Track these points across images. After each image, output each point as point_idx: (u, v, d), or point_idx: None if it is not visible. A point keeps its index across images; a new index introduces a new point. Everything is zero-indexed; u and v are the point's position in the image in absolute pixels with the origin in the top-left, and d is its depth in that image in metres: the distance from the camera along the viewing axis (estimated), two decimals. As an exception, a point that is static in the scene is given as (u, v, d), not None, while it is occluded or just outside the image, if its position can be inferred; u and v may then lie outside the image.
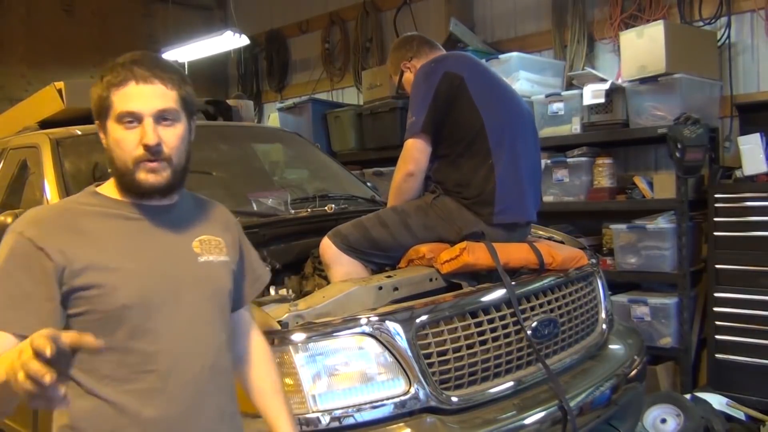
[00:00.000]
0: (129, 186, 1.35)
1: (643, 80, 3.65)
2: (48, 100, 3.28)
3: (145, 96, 1.32)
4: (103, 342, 1.07)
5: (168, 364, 1.32)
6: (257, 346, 1.59)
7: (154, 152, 1.32)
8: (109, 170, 1.39)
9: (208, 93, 6.43)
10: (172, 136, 1.34)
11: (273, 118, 6.09)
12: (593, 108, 3.87)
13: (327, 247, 2.32)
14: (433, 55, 2.63)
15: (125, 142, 1.32)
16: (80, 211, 1.36)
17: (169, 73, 1.36)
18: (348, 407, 1.75)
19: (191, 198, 1.51)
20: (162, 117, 1.33)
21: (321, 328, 1.78)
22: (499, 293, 2.11)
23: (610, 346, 2.51)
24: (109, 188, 1.42)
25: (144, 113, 1.31)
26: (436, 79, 2.40)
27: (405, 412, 1.81)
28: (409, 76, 2.65)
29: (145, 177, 1.33)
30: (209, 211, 1.53)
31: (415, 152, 2.41)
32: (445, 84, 2.39)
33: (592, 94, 3.76)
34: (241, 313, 1.56)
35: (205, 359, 1.37)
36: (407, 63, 2.66)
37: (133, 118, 1.31)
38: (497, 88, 2.55)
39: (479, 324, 2.01)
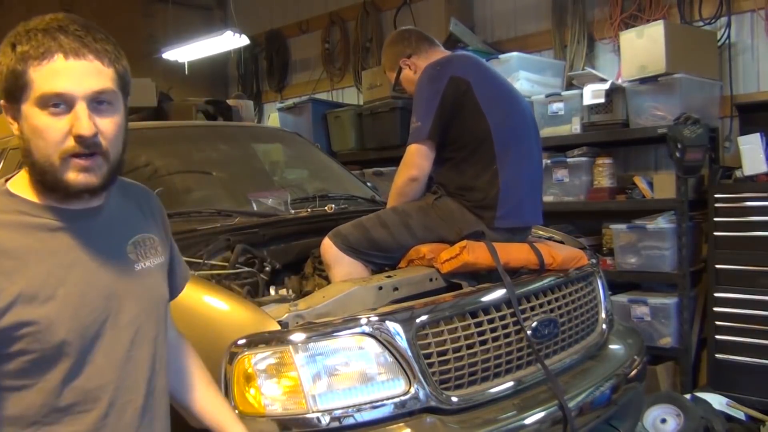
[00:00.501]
0: (53, 187, 1.09)
1: (643, 80, 3.65)
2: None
3: (76, 74, 1.06)
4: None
5: (109, 399, 1.13)
6: (178, 341, 1.43)
7: (89, 145, 1.06)
8: (23, 165, 1.12)
9: (208, 93, 6.44)
10: (109, 125, 1.09)
11: (273, 118, 6.09)
12: (593, 108, 3.87)
13: (328, 247, 2.32)
14: (433, 52, 2.60)
15: (49, 132, 1.05)
16: None
17: (103, 44, 1.10)
18: (348, 407, 1.74)
19: (117, 186, 1.24)
20: (97, 100, 1.08)
21: (321, 328, 1.78)
22: (499, 293, 2.11)
23: (610, 346, 2.51)
24: (21, 185, 1.13)
25: (76, 96, 1.05)
26: (443, 84, 2.36)
27: (405, 412, 1.81)
28: (408, 74, 2.61)
29: (75, 177, 1.08)
30: (137, 201, 1.30)
31: (419, 158, 2.38)
32: (452, 89, 2.35)
33: (592, 94, 3.76)
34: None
35: (148, 385, 1.20)
36: (406, 60, 2.60)
37: (60, 102, 1.05)
38: (502, 90, 2.53)
39: (479, 324, 2.01)
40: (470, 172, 2.37)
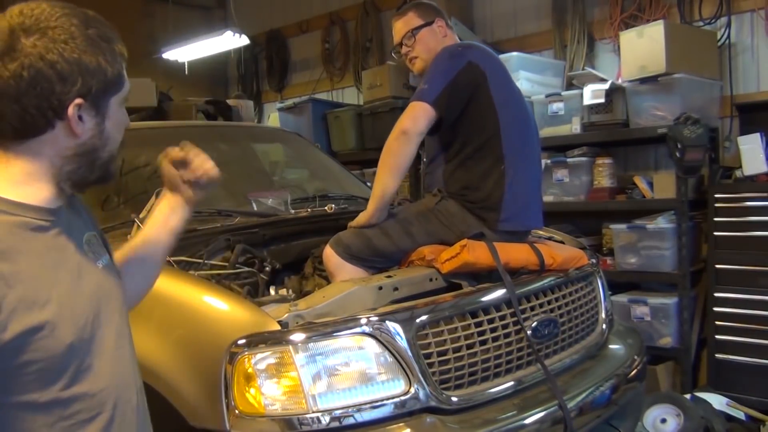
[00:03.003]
0: (96, 181, 1.13)
1: (643, 80, 3.65)
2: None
3: None
4: None
5: (112, 401, 1.10)
6: None
7: None
8: (75, 165, 1.09)
9: (208, 93, 6.43)
10: None
11: (273, 118, 6.09)
12: (593, 108, 3.87)
13: (330, 256, 2.30)
14: (454, 37, 2.61)
15: (123, 128, 1.15)
16: None
17: None
18: (348, 407, 1.75)
19: None
20: None
21: (321, 328, 1.78)
22: (499, 293, 2.11)
23: (610, 346, 2.51)
24: None
25: None
26: (461, 62, 2.33)
27: (405, 412, 1.81)
28: (432, 34, 2.51)
29: (115, 167, 1.16)
30: (68, 200, 1.18)
31: (416, 113, 2.29)
32: (468, 73, 2.33)
33: (592, 94, 3.76)
34: None
35: (136, 382, 1.20)
36: (441, 21, 2.54)
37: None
38: (512, 91, 2.51)
39: (479, 324, 2.01)
40: (475, 170, 2.35)
